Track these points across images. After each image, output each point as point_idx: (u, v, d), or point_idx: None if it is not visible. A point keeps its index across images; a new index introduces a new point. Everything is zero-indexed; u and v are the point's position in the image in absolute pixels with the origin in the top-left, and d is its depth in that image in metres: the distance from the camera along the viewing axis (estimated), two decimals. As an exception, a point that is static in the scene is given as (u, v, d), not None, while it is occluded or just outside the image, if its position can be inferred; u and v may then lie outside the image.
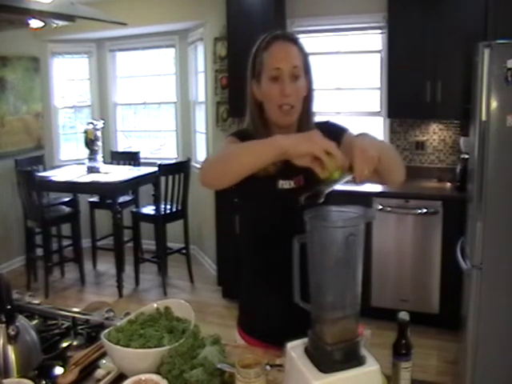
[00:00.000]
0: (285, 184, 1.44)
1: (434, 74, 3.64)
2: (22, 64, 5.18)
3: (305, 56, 1.44)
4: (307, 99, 1.46)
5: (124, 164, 5.28)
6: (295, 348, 1.14)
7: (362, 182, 1.11)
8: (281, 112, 1.40)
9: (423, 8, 3.61)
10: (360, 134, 1.23)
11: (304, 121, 1.46)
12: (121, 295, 4.46)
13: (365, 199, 3.59)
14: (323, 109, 4.30)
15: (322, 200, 1.10)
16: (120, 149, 5.81)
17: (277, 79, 1.38)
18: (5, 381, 1.21)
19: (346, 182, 1.12)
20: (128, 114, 5.98)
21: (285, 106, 1.39)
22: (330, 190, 1.12)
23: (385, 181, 1.34)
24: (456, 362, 3.19)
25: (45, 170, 5.14)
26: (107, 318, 1.64)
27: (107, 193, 4.70)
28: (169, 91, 5.56)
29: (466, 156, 3.50)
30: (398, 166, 1.35)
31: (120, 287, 4.47)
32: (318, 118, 1.53)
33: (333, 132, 1.46)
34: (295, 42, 1.42)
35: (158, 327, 1.34)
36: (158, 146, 5.95)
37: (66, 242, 5.06)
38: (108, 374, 1.29)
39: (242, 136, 1.47)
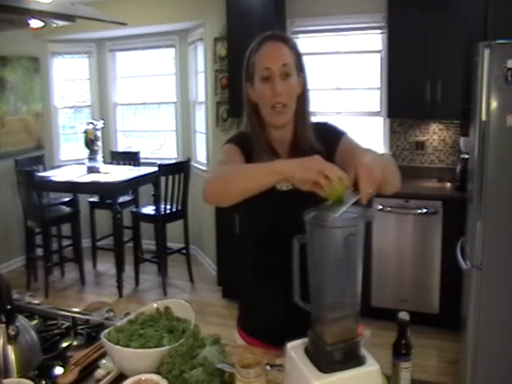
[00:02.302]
0: (283, 185, 1.44)
1: (434, 74, 3.64)
2: (22, 64, 5.18)
3: (297, 55, 1.43)
4: (302, 98, 1.45)
5: (124, 164, 5.28)
6: (295, 348, 1.14)
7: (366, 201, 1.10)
8: (274, 112, 1.40)
9: (423, 8, 3.61)
10: (363, 151, 1.23)
11: (300, 120, 1.46)
12: (121, 295, 4.46)
13: (365, 199, 3.58)
14: (323, 109, 4.29)
15: (328, 224, 1.07)
16: (120, 149, 5.81)
17: (268, 79, 1.38)
18: (5, 381, 1.21)
19: (353, 204, 1.08)
20: (128, 114, 5.98)
21: (277, 106, 1.39)
22: (340, 213, 1.05)
23: (382, 192, 1.34)
24: (456, 362, 3.18)
25: (45, 170, 5.14)
26: (107, 318, 1.64)
27: (107, 193, 4.70)
28: (169, 91, 5.56)
29: (466, 156, 3.50)
30: (395, 178, 1.36)
31: (120, 287, 4.47)
32: (317, 118, 1.53)
33: (331, 134, 1.46)
34: (285, 41, 1.42)
35: (158, 327, 1.34)
36: (158, 146, 5.95)
37: (66, 242, 5.06)
38: (108, 374, 1.29)
39: (240, 141, 1.47)
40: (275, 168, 1.15)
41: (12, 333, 1.30)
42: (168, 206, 4.52)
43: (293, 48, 1.43)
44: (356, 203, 1.07)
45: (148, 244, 5.18)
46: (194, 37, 5.05)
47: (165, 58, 5.68)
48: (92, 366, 1.35)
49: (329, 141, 1.43)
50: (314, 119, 1.51)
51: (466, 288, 2.98)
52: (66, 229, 5.02)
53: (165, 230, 4.58)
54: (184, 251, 4.77)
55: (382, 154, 1.38)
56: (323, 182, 1.06)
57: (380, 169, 1.12)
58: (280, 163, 1.17)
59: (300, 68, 1.44)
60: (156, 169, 4.57)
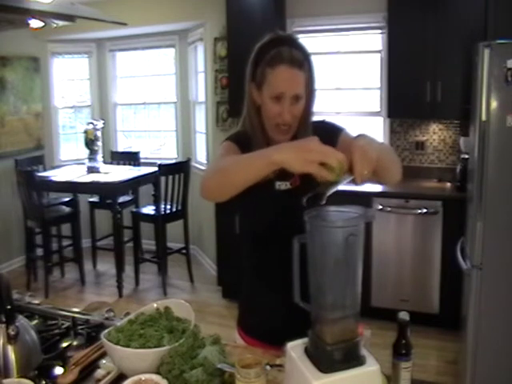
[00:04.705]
0: (281, 185, 1.44)
1: (434, 73, 3.64)
2: (22, 64, 5.18)
3: (310, 75, 1.41)
4: (307, 107, 1.44)
5: (124, 164, 5.28)
6: (295, 348, 1.14)
7: (361, 183, 1.11)
8: (277, 130, 1.41)
9: (423, 8, 3.60)
10: (359, 136, 1.23)
11: (302, 124, 1.46)
12: (121, 295, 4.46)
13: (365, 199, 3.58)
14: (323, 109, 4.29)
15: (324, 202, 1.10)
16: (120, 149, 5.81)
17: (279, 99, 1.36)
18: (5, 381, 1.21)
19: (347, 184, 1.12)
20: (128, 114, 5.98)
21: (282, 126, 1.39)
22: (332, 191, 1.11)
23: (382, 180, 1.34)
24: (456, 362, 3.19)
25: (45, 170, 5.14)
26: (107, 318, 1.64)
27: (107, 193, 4.70)
28: (169, 91, 5.56)
29: (466, 156, 3.50)
30: (395, 166, 1.36)
31: (120, 287, 4.47)
32: (316, 118, 1.53)
33: (329, 131, 1.46)
34: (301, 66, 1.37)
35: (157, 327, 1.33)
36: (158, 146, 5.95)
37: (66, 242, 5.06)
38: (108, 374, 1.29)
39: (239, 140, 1.47)
40: (272, 159, 1.12)
41: (12, 333, 1.30)
42: (168, 206, 4.52)
43: (308, 72, 1.40)
44: (351, 183, 1.11)
45: (148, 244, 5.18)
46: (194, 37, 5.05)
47: (165, 57, 5.68)
48: (92, 365, 1.35)
49: (328, 138, 1.43)
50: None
51: (466, 288, 2.98)
52: (66, 229, 5.01)
53: (165, 229, 4.58)
54: (184, 251, 4.77)
55: (382, 143, 1.37)
56: (323, 174, 1.06)
57: (375, 151, 1.12)
58: (277, 152, 1.13)
59: (311, 87, 1.42)
60: (156, 169, 4.57)
